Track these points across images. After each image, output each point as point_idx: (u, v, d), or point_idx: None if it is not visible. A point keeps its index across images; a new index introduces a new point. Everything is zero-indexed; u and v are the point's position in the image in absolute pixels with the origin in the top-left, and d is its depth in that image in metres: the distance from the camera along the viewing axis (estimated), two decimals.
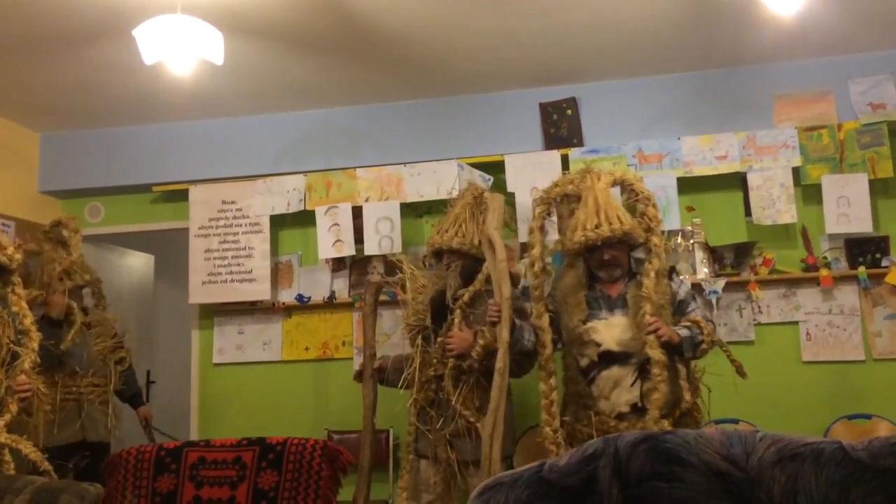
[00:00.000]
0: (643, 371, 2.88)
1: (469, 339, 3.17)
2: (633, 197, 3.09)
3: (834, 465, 1.47)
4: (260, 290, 4.50)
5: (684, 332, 2.89)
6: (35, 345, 3.04)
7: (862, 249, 3.98)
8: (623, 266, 3.02)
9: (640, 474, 1.56)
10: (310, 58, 3.87)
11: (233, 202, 4.58)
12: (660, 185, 4.08)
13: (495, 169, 4.31)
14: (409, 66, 4.02)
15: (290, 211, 4.50)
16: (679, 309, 3.01)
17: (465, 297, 3.26)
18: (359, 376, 3.53)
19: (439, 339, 3.24)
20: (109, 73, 3.95)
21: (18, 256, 3.13)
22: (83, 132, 4.82)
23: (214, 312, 4.69)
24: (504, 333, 3.00)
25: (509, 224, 3.76)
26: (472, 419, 3.13)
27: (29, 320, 3.08)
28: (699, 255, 4.12)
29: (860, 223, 3.92)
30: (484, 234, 3.19)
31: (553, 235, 3.51)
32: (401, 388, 3.34)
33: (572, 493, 1.58)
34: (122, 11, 3.28)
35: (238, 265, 4.54)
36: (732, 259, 4.11)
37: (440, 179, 4.28)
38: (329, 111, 4.59)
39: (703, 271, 4.09)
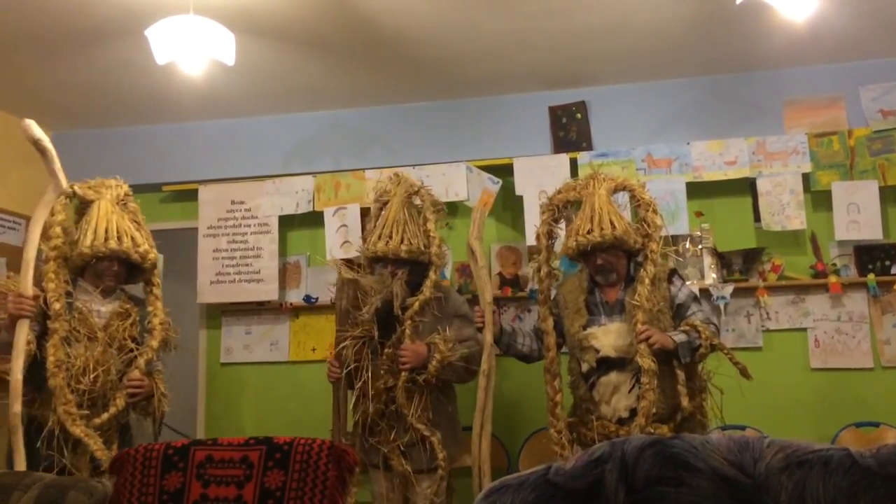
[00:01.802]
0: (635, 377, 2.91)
1: (423, 353, 3.11)
2: (635, 203, 3.12)
3: (842, 473, 1.47)
4: (268, 291, 4.51)
5: (680, 338, 2.89)
6: (156, 343, 3.08)
7: (871, 256, 3.96)
8: (619, 271, 3.05)
9: (647, 479, 1.56)
10: (320, 59, 3.88)
11: (242, 202, 4.60)
12: (669, 189, 4.08)
13: (504, 172, 4.31)
14: (418, 68, 4.03)
15: (299, 212, 4.52)
16: (678, 313, 3.02)
17: (416, 307, 3.16)
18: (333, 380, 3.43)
19: (387, 351, 3.16)
20: (122, 73, 3.98)
21: (153, 256, 3.20)
22: (95, 131, 4.85)
23: (222, 312, 4.70)
24: (488, 337, 3.11)
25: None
26: (426, 433, 3.13)
27: (158, 320, 3.14)
28: (707, 260, 4.11)
29: (870, 230, 3.91)
30: (467, 244, 3.33)
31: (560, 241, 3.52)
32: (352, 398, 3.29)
33: (578, 496, 1.58)
34: (134, 11, 3.30)
35: (246, 265, 4.55)
36: (741, 265, 4.09)
37: (449, 182, 4.29)
38: (338, 112, 4.60)
39: (711, 277, 4.08)
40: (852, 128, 4.01)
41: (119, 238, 3.07)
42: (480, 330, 3.15)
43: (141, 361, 3.02)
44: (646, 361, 2.80)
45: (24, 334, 2.83)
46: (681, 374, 2.92)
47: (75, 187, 3.18)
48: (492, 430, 3.63)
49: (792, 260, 4.09)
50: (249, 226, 4.58)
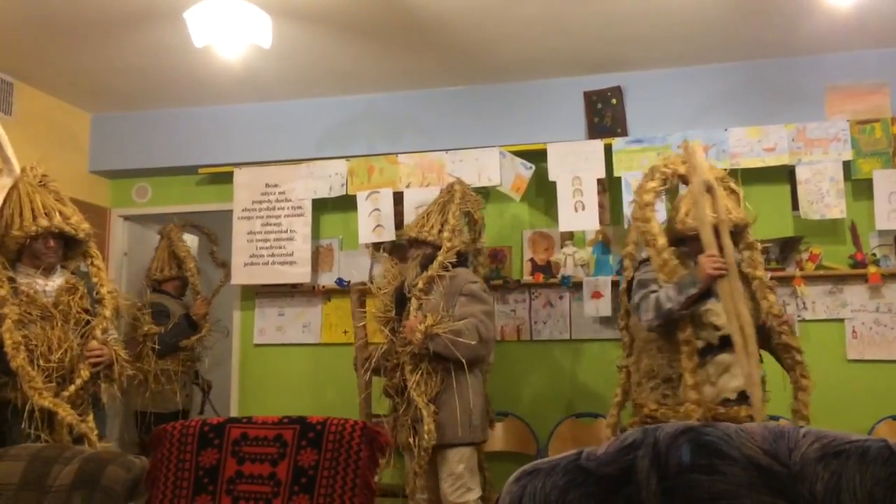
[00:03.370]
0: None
1: (415, 324, 3.25)
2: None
3: (880, 464, 1.45)
4: (301, 273, 4.56)
5: None
6: (108, 312, 3.11)
7: None
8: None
9: (680, 466, 1.55)
10: (355, 43, 3.89)
11: (276, 185, 4.64)
12: None
13: (538, 157, 4.29)
14: (453, 52, 4.02)
15: (332, 195, 4.55)
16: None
17: (420, 284, 3.36)
18: (357, 367, 3.68)
19: (402, 326, 3.37)
20: (160, 56, 4.02)
21: (86, 226, 3.20)
22: (133, 113, 4.92)
23: (256, 294, 4.76)
24: (736, 284, 2.75)
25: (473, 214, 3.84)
26: (420, 405, 3.22)
27: (105, 289, 3.15)
28: None
29: None
30: (700, 183, 2.84)
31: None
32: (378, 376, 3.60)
33: (610, 481, 1.58)
34: None
35: (280, 248, 4.60)
36: (778, 253, 4.03)
37: (482, 167, 4.28)
38: (373, 97, 4.61)
39: None
40: None
41: (48, 214, 3.07)
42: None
43: (97, 331, 3.04)
44: (795, 340, 2.90)
45: None
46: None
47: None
48: (521, 415, 3.69)
49: (830, 249, 4.01)
50: (283, 209, 4.62)
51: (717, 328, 2.86)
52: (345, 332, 4.59)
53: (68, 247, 3.20)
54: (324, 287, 4.62)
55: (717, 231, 2.78)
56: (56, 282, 3.12)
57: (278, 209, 4.63)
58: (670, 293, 2.82)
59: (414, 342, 3.23)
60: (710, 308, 2.88)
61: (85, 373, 2.98)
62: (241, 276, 4.64)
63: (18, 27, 3.70)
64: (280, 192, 4.64)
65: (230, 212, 4.70)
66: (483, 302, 3.35)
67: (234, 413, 4.69)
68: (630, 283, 3.12)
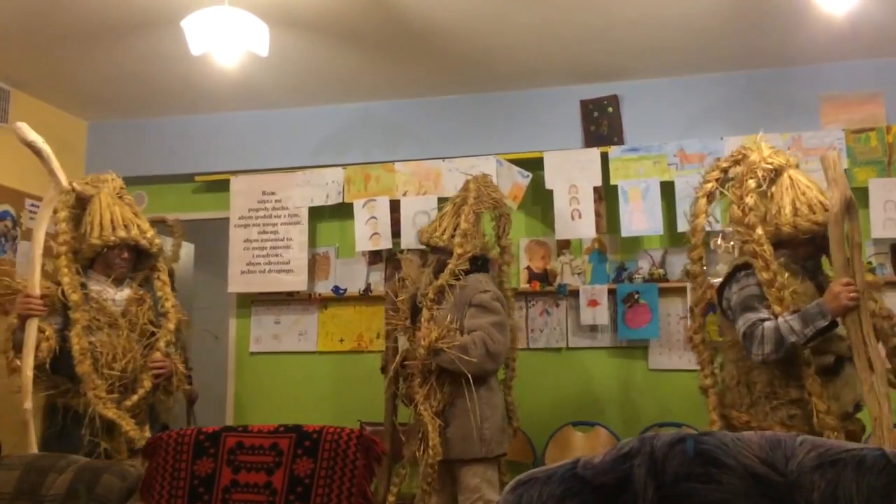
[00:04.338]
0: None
1: (424, 337, 3.15)
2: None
3: (876, 473, 1.45)
4: (297, 281, 4.55)
5: None
6: (172, 326, 3.19)
7: None
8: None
9: (676, 475, 1.55)
10: (352, 51, 3.89)
11: (272, 193, 4.64)
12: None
13: (534, 166, 4.30)
14: (450, 61, 4.03)
15: (329, 203, 4.55)
16: None
17: (431, 294, 3.24)
18: (384, 369, 3.57)
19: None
20: (157, 64, 4.03)
21: (158, 241, 3.29)
22: (130, 121, 4.92)
23: (252, 302, 4.76)
24: (865, 315, 2.50)
25: (499, 206, 3.63)
26: (426, 417, 3.13)
27: (170, 303, 3.24)
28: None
29: None
30: (841, 199, 2.56)
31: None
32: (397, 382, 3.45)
33: (606, 491, 1.57)
34: (170, 2, 3.34)
35: (276, 256, 4.60)
36: None
37: None
38: (369, 105, 4.62)
39: None
40: (891, 124, 3.93)
41: (126, 226, 3.16)
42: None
43: (161, 343, 3.11)
44: None
45: (33, 333, 2.91)
46: None
47: (74, 184, 3.23)
48: (518, 424, 3.64)
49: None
50: (280, 216, 4.62)
51: (841, 338, 2.63)
52: (341, 340, 4.59)
53: (138, 260, 3.27)
54: (320, 295, 4.61)
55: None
56: (124, 292, 3.18)
57: (275, 217, 4.63)
58: (794, 325, 2.52)
59: (418, 357, 3.16)
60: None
61: (147, 383, 3.04)
62: (238, 284, 4.64)
63: (15, 35, 3.70)
64: (276, 200, 4.64)
65: (227, 220, 4.70)
66: (493, 313, 3.19)
67: (229, 422, 4.67)
68: (720, 292, 2.81)
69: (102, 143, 4.95)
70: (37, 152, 3.09)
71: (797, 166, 2.87)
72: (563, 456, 3.87)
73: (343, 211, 4.56)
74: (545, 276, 4.35)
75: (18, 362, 2.91)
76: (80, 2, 3.38)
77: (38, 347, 2.91)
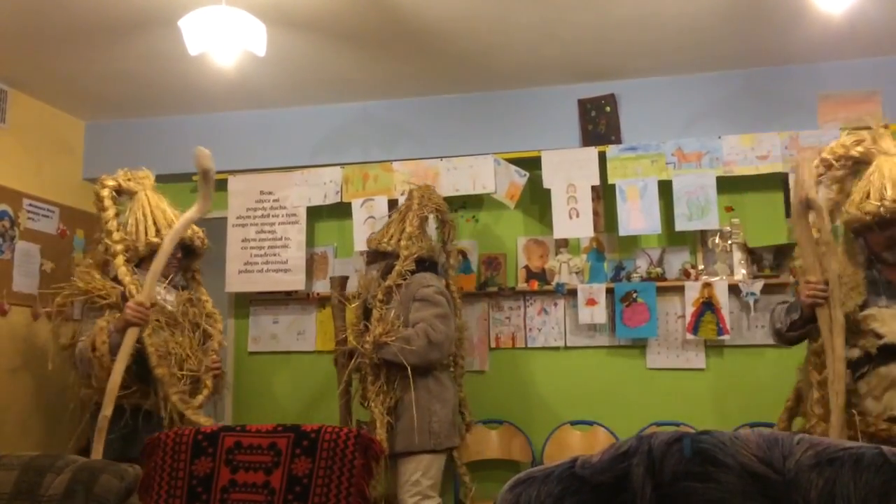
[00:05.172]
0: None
1: (372, 333, 3.29)
2: None
3: (873, 471, 1.45)
4: (295, 281, 4.55)
5: None
6: (220, 326, 3.22)
7: None
8: None
9: (674, 474, 1.55)
10: (350, 51, 3.89)
11: (270, 193, 4.64)
12: (699, 184, 4.04)
13: (532, 165, 4.30)
14: (448, 60, 4.03)
15: (327, 202, 4.54)
16: None
17: (379, 294, 3.40)
18: (336, 362, 3.72)
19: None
20: (154, 63, 4.02)
21: (207, 241, 3.31)
22: (127, 121, 4.91)
23: (250, 302, 4.75)
24: (836, 314, 2.54)
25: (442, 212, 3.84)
26: (375, 413, 3.26)
27: (211, 304, 3.27)
28: (737, 255, 4.06)
29: None
30: (801, 199, 2.62)
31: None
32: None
33: (605, 489, 1.58)
34: (168, 2, 3.34)
35: (274, 255, 4.59)
36: (771, 261, 4.05)
37: (476, 174, 4.29)
38: (367, 104, 4.62)
39: (741, 272, 4.04)
40: (888, 123, 3.92)
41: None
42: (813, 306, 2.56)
43: (215, 344, 3.15)
44: None
45: (131, 341, 2.87)
46: None
47: (119, 180, 3.21)
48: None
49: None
50: (278, 216, 4.62)
51: (878, 336, 2.57)
52: None
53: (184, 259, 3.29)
54: (318, 294, 4.61)
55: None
56: (174, 292, 3.18)
57: (272, 217, 4.63)
58: (781, 314, 2.63)
59: (365, 352, 3.28)
60: (872, 313, 2.61)
61: (209, 383, 3.08)
62: (236, 283, 4.63)
63: (12, 35, 3.69)
64: (274, 200, 4.63)
65: (224, 219, 4.69)
66: (435, 305, 3.35)
67: (227, 422, 4.67)
68: None
69: (100, 143, 4.95)
70: (205, 176, 3.09)
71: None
72: (561, 455, 3.87)
73: (341, 210, 4.56)
74: (543, 276, 4.35)
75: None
76: (78, 1, 3.37)
77: (102, 364, 2.88)
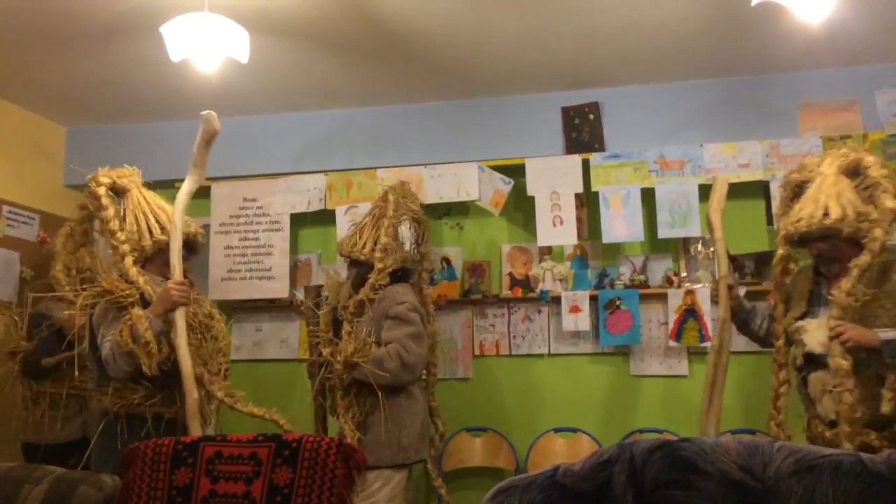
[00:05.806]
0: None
1: (344, 352, 3.19)
2: (864, 182, 2.77)
3: (852, 478, 1.46)
4: (278, 288, 4.53)
5: (890, 334, 2.58)
6: (222, 325, 3.11)
7: None
8: (844, 261, 2.72)
9: (655, 482, 1.56)
10: (333, 58, 3.89)
11: (254, 200, 4.62)
12: (681, 192, 4.06)
13: (516, 172, 4.30)
14: (431, 67, 4.03)
15: (311, 210, 4.53)
16: None
17: (351, 307, 3.29)
18: (311, 375, 3.60)
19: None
20: (136, 70, 4.00)
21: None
22: (109, 127, 4.88)
23: (233, 309, 4.72)
24: (721, 313, 3.04)
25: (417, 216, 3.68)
26: (345, 429, 3.18)
27: (209, 303, 3.18)
28: None
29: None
30: (706, 215, 3.24)
31: None
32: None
33: (586, 498, 1.58)
34: (150, 8, 3.32)
35: (257, 262, 4.57)
36: (753, 268, 4.07)
37: (461, 181, 4.29)
38: (351, 111, 4.61)
39: None
40: (867, 131, 3.98)
41: (186, 223, 3.06)
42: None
43: (221, 344, 3.07)
44: (835, 360, 2.57)
45: (183, 322, 2.82)
46: (890, 377, 2.59)
47: (112, 177, 3.10)
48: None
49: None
50: (261, 223, 4.60)
51: (803, 345, 2.77)
52: None
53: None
54: (302, 302, 4.58)
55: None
56: None
57: (256, 224, 4.60)
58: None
59: (335, 372, 3.20)
60: (802, 325, 2.80)
61: (224, 384, 2.99)
62: (219, 291, 4.60)
63: None
64: (258, 207, 4.61)
65: (207, 226, 4.65)
66: (409, 324, 3.23)
67: (209, 431, 4.62)
68: None
69: (81, 149, 4.90)
70: (209, 140, 3.02)
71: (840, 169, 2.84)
72: (545, 462, 3.87)
73: (325, 217, 4.54)
74: (527, 283, 4.35)
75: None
76: (59, 7, 3.35)
77: (149, 352, 2.77)
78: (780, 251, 2.94)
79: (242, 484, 2.13)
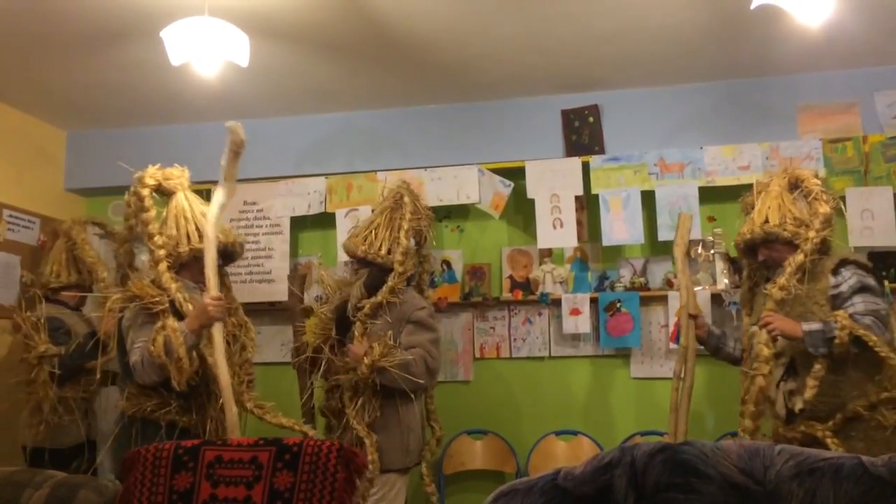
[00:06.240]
0: (788, 370, 2.86)
1: (360, 355, 3.14)
2: (806, 194, 3.00)
3: (853, 481, 1.46)
4: (279, 291, 4.53)
5: (813, 326, 2.72)
6: (254, 335, 3.10)
7: (886, 263, 3.93)
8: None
9: (657, 485, 1.56)
10: (333, 61, 3.89)
11: (254, 203, 4.62)
12: (681, 194, 4.07)
13: (516, 175, 4.31)
14: (432, 71, 4.04)
15: (311, 213, 4.53)
16: (835, 305, 2.81)
17: (367, 309, 3.24)
18: (298, 367, 3.60)
19: (345, 350, 3.27)
20: (137, 74, 4.00)
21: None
22: (109, 131, 4.88)
23: None
24: (683, 341, 3.21)
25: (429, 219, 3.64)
26: (362, 433, 3.14)
27: (242, 311, 3.14)
28: (719, 265, 4.09)
29: (884, 237, 3.87)
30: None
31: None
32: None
33: (587, 501, 1.58)
34: (150, 13, 3.32)
35: (258, 265, 4.57)
36: None
37: (461, 184, 4.29)
38: (351, 114, 4.61)
39: (723, 282, 4.06)
40: (867, 134, 3.98)
41: (226, 231, 3.04)
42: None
43: (248, 355, 3.05)
44: (759, 346, 2.77)
45: (221, 337, 2.76)
46: (815, 365, 2.72)
47: (159, 178, 3.05)
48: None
49: None
50: (261, 226, 4.60)
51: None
52: None
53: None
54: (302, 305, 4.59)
55: None
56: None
57: (256, 227, 4.61)
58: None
59: (360, 374, 3.14)
60: (754, 330, 2.93)
61: (252, 395, 2.96)
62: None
63: None
64: (258, 210, 4.62)
65: None
66: (430, 330, 3.28)
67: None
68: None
69: (82, 153, 4.91)
70: (236, 153, 2.97)
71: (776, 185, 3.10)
72: (545, 465, 3.87)
73: (325, 221, 4.55)
74: (527, 285, 4.35)
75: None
76: (60, 11, 3.35)
77: (181, 368, 2.71)
78: (746, 269, 3.20)
79: (243, 488, 2.13)
